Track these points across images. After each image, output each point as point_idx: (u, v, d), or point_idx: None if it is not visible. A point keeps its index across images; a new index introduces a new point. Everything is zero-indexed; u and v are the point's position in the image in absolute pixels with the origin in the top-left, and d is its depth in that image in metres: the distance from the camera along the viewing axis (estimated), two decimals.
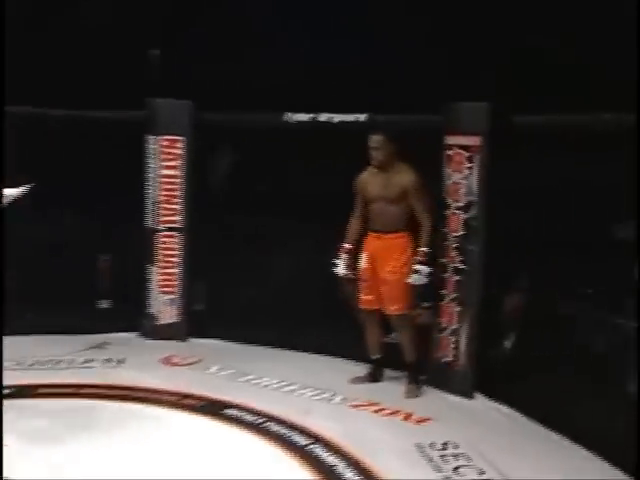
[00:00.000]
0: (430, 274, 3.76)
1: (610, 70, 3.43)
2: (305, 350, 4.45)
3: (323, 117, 4.26)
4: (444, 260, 3.92)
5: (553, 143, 3.57)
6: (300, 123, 4.31)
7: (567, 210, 3.66)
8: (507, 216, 3.79)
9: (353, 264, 3.91)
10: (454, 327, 3.95)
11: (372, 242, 3.93)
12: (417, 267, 3.78)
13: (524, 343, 3.82)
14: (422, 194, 3.84)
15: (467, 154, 3.83)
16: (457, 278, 3.91)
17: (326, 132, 4.25)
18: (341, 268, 3.92)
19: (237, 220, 4.64)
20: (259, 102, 4.33)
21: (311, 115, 4.29)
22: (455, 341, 3.94)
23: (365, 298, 3.97)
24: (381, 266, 3.91)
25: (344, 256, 3.92)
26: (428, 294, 3.92)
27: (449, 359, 3.95)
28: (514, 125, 3.74)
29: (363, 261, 3.93)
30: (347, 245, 3.94)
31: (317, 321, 4.41)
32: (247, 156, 4.63)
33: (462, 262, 3.88)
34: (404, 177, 3.86)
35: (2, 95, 3.12)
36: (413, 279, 3.80)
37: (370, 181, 3.92)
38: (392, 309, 3.93)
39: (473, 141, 3.81)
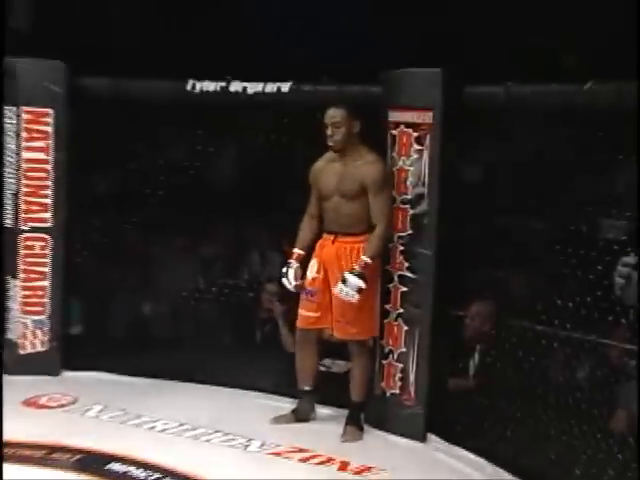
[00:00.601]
0: (361, 290, 3.62)
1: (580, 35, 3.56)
2: (213, 383, 4.28)
3: (235, 86, 4.15)
4: (388, 267, 3.80)
5: (520, 119, 3.55)
6: (206, 94, 4.18)
7: (541, 201, 3.56)
8: (466, 210, 3.71)
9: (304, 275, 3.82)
10: (401, 351, 3.83)
11: (325, 246, 3.80)
12: (346, 276, 3.64)
13: (490, 370, 3.68)
14: (383, 191, 3.70)
15: (416, 134, 3.72)
16: (404, 289, 3.79)
17: (239, 105, 4.14)
18: (291, 280, 3.79)
19: (127, 218, 4.48)
20: (155, 66, 4.19)
21: (220, 84, 4.16)
22: (402, 369, 3.81)
23: (306, 314, 3.83)
24: (336, 276, 3.73)
25: (294, 265, 3.80)
26: None
27: (395, 391, 3.84)
28: (472, 97, 3.65)
29: (311, 269, 3.79)
30: (298, 251, 3.83)
31: (228, 347, 4.33)
32: (140, 136, 4.43)
33: (410, 269, 3.76)
34: (365, 168, 3.72)
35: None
36: (338, 289, 3.65)
37: (325, 171, 3.80)
38: (352, 333, 3.77)
39: (423, 117, 3.70)
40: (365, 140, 3.74)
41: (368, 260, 3.66)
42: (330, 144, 3.72)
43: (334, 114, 3.69)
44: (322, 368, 3.98)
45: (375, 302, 3.75)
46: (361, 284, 3.62)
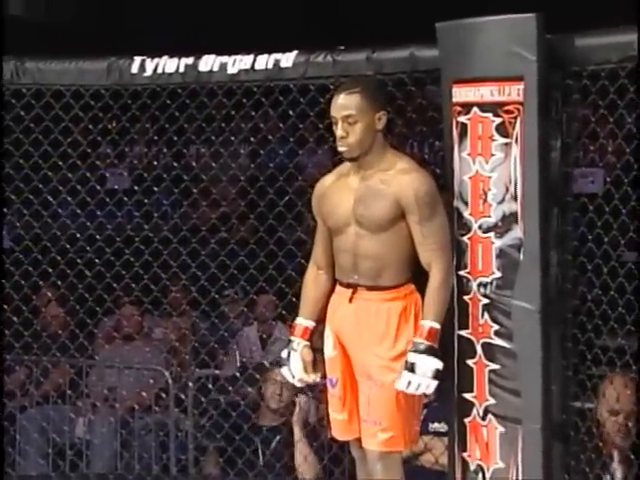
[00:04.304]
0: (438, 373, 3.59)
1: None
2: None
3: (207, 63, 4.17)
4: (464, 333, 3.73)
5: None
6: (162, 77, 4.19)
7: None
8: (585, 237, 3.71)
9: (317, 358, 3.83)
10: (496, 468, 3.72)
11: (340, 307, 3.79)
12: (413, 358, 3.60)
13: None
14: (435, 214, 3.67)
15: (498, 120, 3.68)
16: (493, 367, 3.70)
17: (213, 91, 4.22)
18: (294, 369, 3.78)
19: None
20: (79, 40, 4.28)
21: (186, 61, 4.16)
22: None
23: (333, 417, 3.82)
24: (357, 353, 3.73)
25: (300, 345, 3.79)
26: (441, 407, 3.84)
27: None
28: (589, 56, 3.65)
29: (327, 345, 3.78)
30: (303, 322, 3.83)
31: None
32: (57, 151, 4.45)
33: (502, 335, 3.69)
34: (400, 180, 3.68)
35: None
36: (403, 382, 3.62)
37: (334, 190, 3.78)
38: (379, 441, 3.68)
39: (510, 93, 3.67)
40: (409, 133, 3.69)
41: (435, 325, 3.59)
42: (341, 149, 3.67)
43: (346, 102, 3.64)
44: None
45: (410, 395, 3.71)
46: (437, 364, 3.58)
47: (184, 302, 5.71)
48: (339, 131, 3.62)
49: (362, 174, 3.67)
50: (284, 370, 3.79)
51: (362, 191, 3.67)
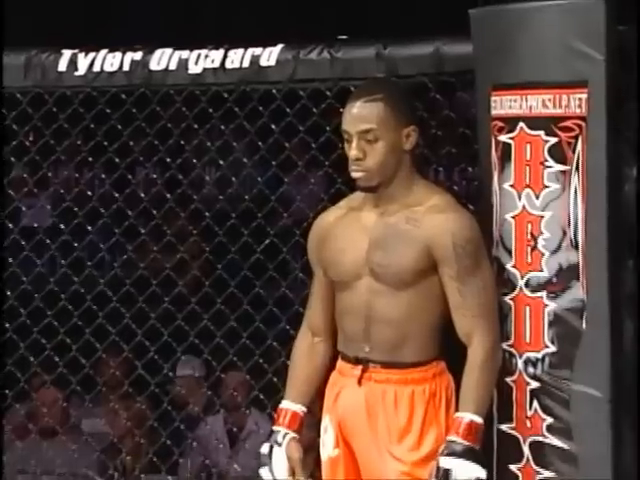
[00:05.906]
0: None
1: None
2: None
3: (163, 59, 4.28)
4: (506, 428, 3.76)
5: None
6: (101, 78, 4.29)
7: None
8: None
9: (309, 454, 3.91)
10: None
11: (345, 389, 3.88)
12: (447, 464, 3.65)
13: None
14: (479, 268, 3.76)
15: (553, 140, 3.76)
16: (546, 476, 3.75)
17: (168, 97, 4.34)
18: (277, 469, 3.85)
19: None
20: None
21: (133, 55, 4.29)
22: None
23: None
24: (368, 454, 3.79)
25: (286, 437, 3.87)
26: None
27: None
28: None
29: (325, 440, 3.87)
30: (290, 407, 3.92)
31: None
32: None
33: (558, 432, 3.74)
34: (432, 222, 3.78)
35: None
36: None
37: (341, 229, 3.89)
38: None
39: (568, 104, 3.75)
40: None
41: (477, 419, 3.64)
42: (355, 175, 3.76)
43: (364, 113, 3.74)
44: None
45: None
46: (479, 472, 3.62)
47: (126, 382, 5.73)
48: (354, 151, 3.71)
49: (381, 209, 3.74)
50: (264, 471, 3.85)
51: (380, 231, 3.75)
